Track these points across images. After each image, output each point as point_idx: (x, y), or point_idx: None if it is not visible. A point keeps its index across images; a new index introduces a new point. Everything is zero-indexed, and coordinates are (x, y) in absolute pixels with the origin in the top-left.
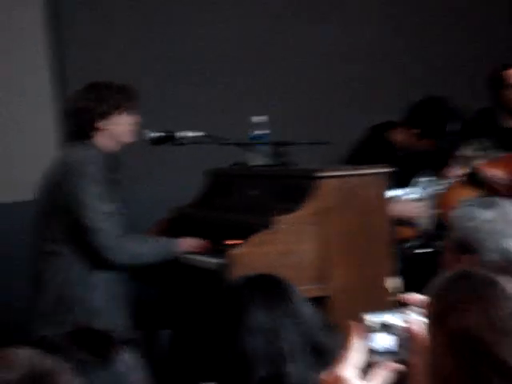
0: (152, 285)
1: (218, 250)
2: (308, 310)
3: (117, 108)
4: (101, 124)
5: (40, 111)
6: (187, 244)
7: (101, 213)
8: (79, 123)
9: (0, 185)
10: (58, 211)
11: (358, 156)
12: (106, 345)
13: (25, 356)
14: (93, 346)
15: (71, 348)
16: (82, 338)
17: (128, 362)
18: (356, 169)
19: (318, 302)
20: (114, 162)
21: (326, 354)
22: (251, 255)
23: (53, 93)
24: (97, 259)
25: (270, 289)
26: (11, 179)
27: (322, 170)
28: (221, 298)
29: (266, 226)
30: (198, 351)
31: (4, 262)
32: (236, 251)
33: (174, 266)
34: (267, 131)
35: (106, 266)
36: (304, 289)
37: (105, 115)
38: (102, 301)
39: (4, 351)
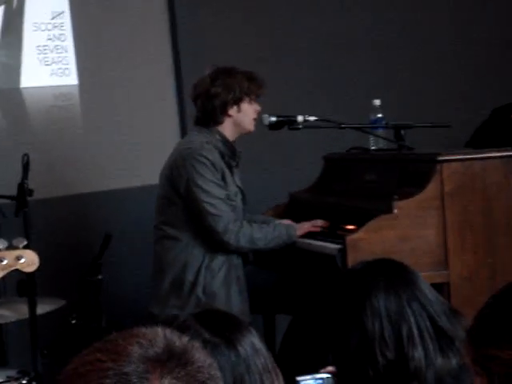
0: (269, 269)
1: (335, 235)
2: (432, 295)
3: (247, 95)
4: (230, 110)
5: (163, 97)
6: (305, 228)
7: (219, 198)
8: (209, 109)
9: (126, 170)
10: (177, 196)
11: (480, 139)
12: (231, 327)
13: (161, 333)
14: (218, 328)
15: (198, 329)
16: (208, 320)
17: (253, 344)
18: (479, 152)
19: (438, 288)
20: (232, 148)
21: (449, 340)
22: (369, 240)
23: (173, 78)
24: (215, 243)
25: (394, 273)
26: (138, 165)
27: (443, 154)
28: (345, 282)
29: (384, 211)
30: (319, 336)
31: (128, 246)
32: (354, 236)
33: (291, 250)
34: (381, 115)
35: (225, 250)
36: (423, 275)
37: (235, 102)
38: (222, 285)
39: (139, 329)
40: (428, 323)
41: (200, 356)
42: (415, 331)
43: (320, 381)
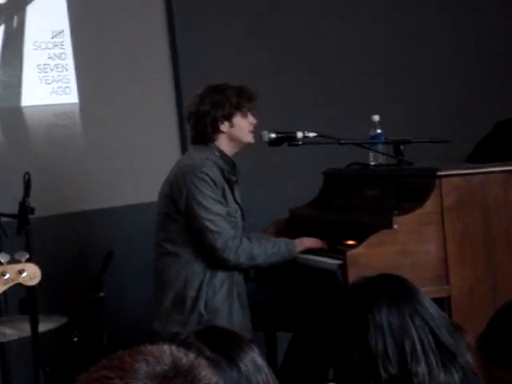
0: (270, 285)
1: (335, 250)
2: (434, 311)
3: (238, 109)
4: (222, 126)
5: (163, 115)
6: (305, 244)
7: (219, 215)
8: (200, 127)
9: (127, 188)
10: (177, 213)
11: (482, 153)
12: (232, 344)
13: (168, 351)
14: (220, 345)
15: (200, 346)
16: (209, 337)
17: (254, 361)
18: (478, 167)
19: (438, 303)
20: (232, 163)
21: (452, 355)
22: (370, 256)
23: (174, 96)
24: (215, 260)
25: (396, 288)
26: (139, 182)
27: (443, 169)
28: (347, 297)
29: (384, 226)
30: (320, 352)
31: (129, 263)
32: (354, 252)
33: (292, 266)
34: (380, 131)
35: (225, 266)
36: (424, 290)
37: (226, 117)
38: (224, 301)
39: (146, 347)
40: (431, 338)
41: (206, 373)
42: (418, 346)
43: None
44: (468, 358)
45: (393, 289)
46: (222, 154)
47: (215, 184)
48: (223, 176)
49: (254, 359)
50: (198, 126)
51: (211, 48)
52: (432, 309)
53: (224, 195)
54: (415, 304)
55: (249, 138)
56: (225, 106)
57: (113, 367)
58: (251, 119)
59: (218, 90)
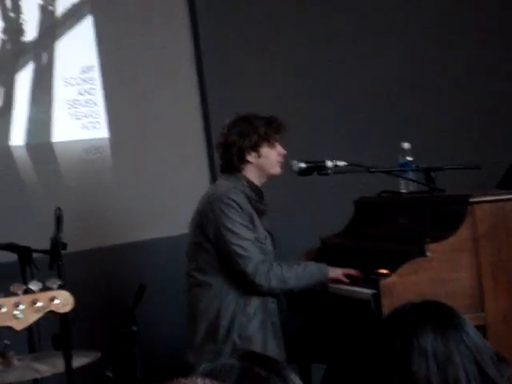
0: (303, 316)
1: (368, 279)
2: (479, 340)
3: (265, 140)
4: (249, 157)
5: (192, 147)
6: (337, 272)
7: (248, 240)
8: (228, 156)
9: (158, 221)
10: (207, 242)
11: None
12: (276, 363)
13: (201, 383)
14: (266, 363)
15: (245, 366)
16: (252, 357)
17: (299, 381)
18: (511, 193)
19: None
20: (259, 192)
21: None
22: (403, 284)
23: (203, 128)
24: (248, 286)
25: (442, 315)
26: (170, 215)
27: (475, 195)
28: (391, 322)
29: (418, 254)
30: (354, 382)
31: (161, 295)
32: (388, 280)
33: (324, 296)
34: (411, 158)
35: (257, 292)
36: None
37: (253, 148)
38: (259, 329)
39: (179, 380)
40: (475, 368)
41: None
42: (462, 374)
43: None
44: None
45: (439, 315)
46: (250, 183)
47: (242, 209)
48: (250, 203)
49: (298, 380)
50: (226, 156)
51: (238, 78)
52: (477, 338)
53: (252, 222)
54: (461, 332)
55: (276, 169)
56: (252, 136)
57: None
58: (280, 150)
59: (246, 120)
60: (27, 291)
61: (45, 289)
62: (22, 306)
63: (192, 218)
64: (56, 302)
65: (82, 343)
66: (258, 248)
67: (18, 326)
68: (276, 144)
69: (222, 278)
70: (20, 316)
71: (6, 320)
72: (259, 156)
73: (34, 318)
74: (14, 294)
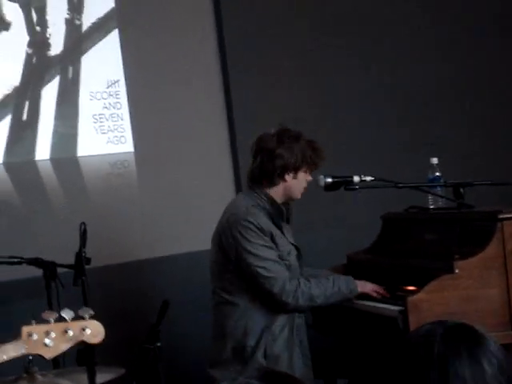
0: (328, 333)
1: (395, 296)
2: (507, 361)
3: (307, 165)
4: (288, 176)
5: (218, 162)
6: (367, 287)
7: (270, 260)
8: (269, 168)
9: (183, 236)
10: (229, 263)
11: None
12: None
13: None
14: None
15: None
16: (272, 378)
17: None
18: None
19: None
20: (280, 209)
21: None
22: (431, 301)
23: (228, 142)
24: (274, 305)
25: (469, 337)
26: (195, 230)
27: (504, 212)
28: (422, 345)
29: (445, 270)
30: None
31: (185, 311)
32: (415, 297)
33: (350, 312)
34: (439, 173)
35: (284, 310)
36: None
37: (295, 169)
38: (285, 348)
39: None
40: None
41: None
42: None
43: None
44: None
45: (470, 340)
46: (271, 200)
47: (262, 230)
48: (271, 220)
49: None
50: (267, 165)
51: (264, 90)
52: (505, 359)
53: (273, 239)
54: (490, 354)
55: (299, 195)
56: (298, 157)
57: None
58: (309, 177)
59: (296, 138)
60: (59, 319)
61: (77, 318)
62: (53, 335)
63: (213, 236)
64: (87, 332)
65: (105, 359)
66: (283, 265)
67: (48, 354)
68: (312, 170)
69: (247, 297)
70: (51, 344)
71: (37, 348)
72: (295, 178)
73: (64, 347)
74: (46, 322)
